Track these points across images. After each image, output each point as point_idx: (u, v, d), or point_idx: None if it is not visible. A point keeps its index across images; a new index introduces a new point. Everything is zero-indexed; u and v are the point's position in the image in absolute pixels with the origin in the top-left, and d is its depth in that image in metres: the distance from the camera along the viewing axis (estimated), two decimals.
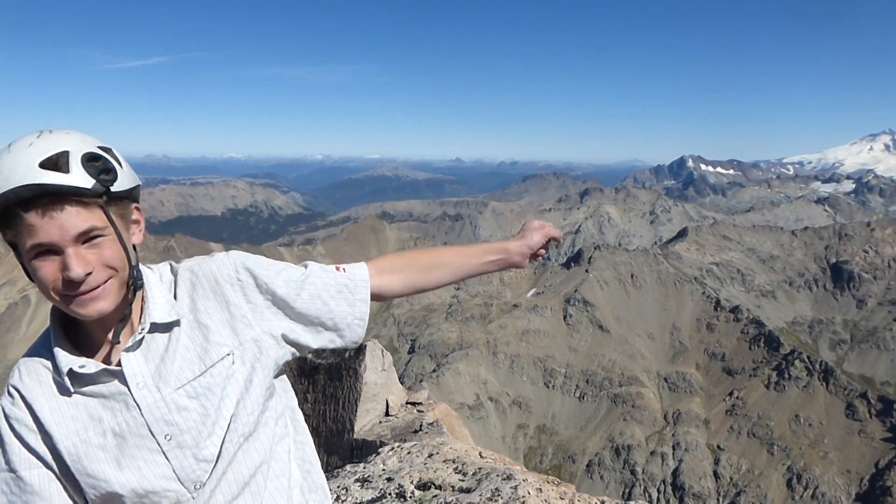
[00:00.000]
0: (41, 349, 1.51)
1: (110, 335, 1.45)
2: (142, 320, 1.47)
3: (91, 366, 1.41)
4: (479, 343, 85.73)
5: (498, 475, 2.95)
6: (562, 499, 2.83)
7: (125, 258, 1.37)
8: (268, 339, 1.56)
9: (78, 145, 1.31)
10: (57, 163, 1.27)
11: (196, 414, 1.44)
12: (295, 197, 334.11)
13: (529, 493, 2.74)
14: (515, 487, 2.77)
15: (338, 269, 1.68)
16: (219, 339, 1.50)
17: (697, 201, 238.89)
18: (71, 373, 1.41)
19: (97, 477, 1.39)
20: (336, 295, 1.64)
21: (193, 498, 1.44)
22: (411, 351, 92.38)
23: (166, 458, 1.42)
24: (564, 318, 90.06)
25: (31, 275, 1.37)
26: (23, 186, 1.24)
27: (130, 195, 1.41)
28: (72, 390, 1.42)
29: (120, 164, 1.38)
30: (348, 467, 3.99)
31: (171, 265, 1.60)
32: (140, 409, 1.41)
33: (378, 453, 4.05)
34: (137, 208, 1.48)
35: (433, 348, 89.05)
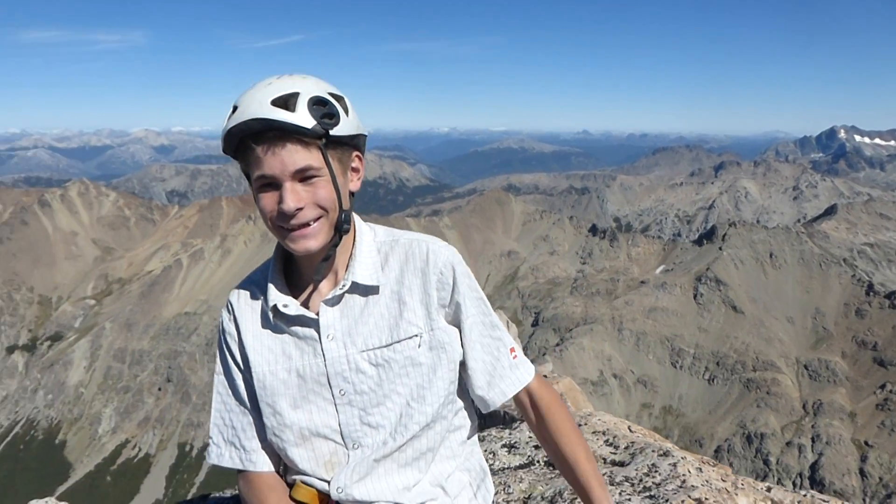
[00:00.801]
0: (260, 278, 1.72)
1: (323, 271, 1.59)
2: (345, 275, 1.60)
3: (293, 308, 1.59)
4: (604, 319, 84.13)
5: (654, 451, 2.85)
6: (723, 480, 2.69)
7: (336, 200, 1.48)
8: (454, 337, 1.65)
9: (308, 88, 1.44)
10: (286, 102, 1.40)
11: (371, 381, 1.57)
12: (422, 169, 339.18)
13: (690, 472, 2.61)
14: (674, 465, 2.67)
15: (512, 350, 1.72)
16: (411, 318, 1.59)
17: (850, 176, 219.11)
18: (275, 308, 1.60)
19: (275, 408, 1.60)
20: (490, 366, 1.70)
21: (348, 454, 1.59)
22: (535, 324, 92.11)
23: (336, 409, 1.58)
24: (695, 296, 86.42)
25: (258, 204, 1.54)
26: (253, 119, 1.39)
27: (352, 142, 1.52)
28: (273, 324, 1.62)
29: (346, 111, 1.48)
30: (494, 431, 3.98)
31: (393, 233, 1.71)
32: (325, 359, 1.57)
33: (523, 420, 3.95)
34: (359, 157, 1.59)
35: (557, 322, 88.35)
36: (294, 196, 1.44)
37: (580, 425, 3.39)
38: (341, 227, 1.53)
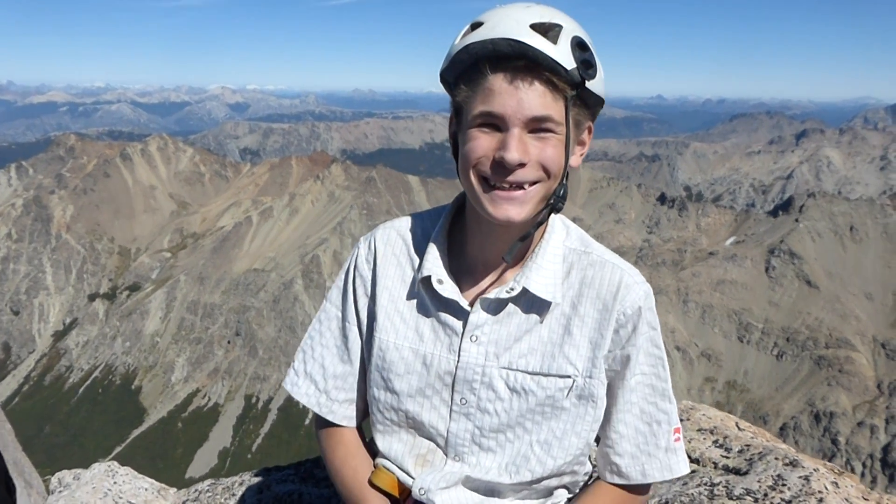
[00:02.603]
0: (420, 229, 1.52)
1: (496, 252, 1.37)
2: (518, 276, 1.37)
3: (448, 288, 1.38)
4: (669, 290, 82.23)
5: (778, 458, 2.41)
6: (865, 499, 2.26)
7: (563, 167, 1.26)
8: (602, 392, 1.41)
9: (573, 25, 1.23)
10: (548, 31, 1.19)
11: (500, 403, 1.37)
12: None
13: (827, 489, 2.20)
14: (806, 478, 2.25)
15: (676, 431, 1.45)
16: (572, 356, 1.36)
17: None
18: (427, 280, 1.40)
19: (389, 385, 1.43)
20: (642, 438, 1.43)
21: (446, 461, 1.42)
22: None
23: (450, 416, 1.40)
24: (766, 269, 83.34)
25: (457, 148, 1.33)
26: (505, 39, 1.17)
27: (595, 106, 1.30)
28: (416, 292, 1.44)
29: (600, 67, 1.26)
30: None
31: (586, 241, 1.46)
32: (458, 360, 1.38)
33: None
34: (590, 129, 1.36)
35: None
36: (521, 146, 1.21)
37: (681, 420, 2.97)
38: (556, 203, 1.30)
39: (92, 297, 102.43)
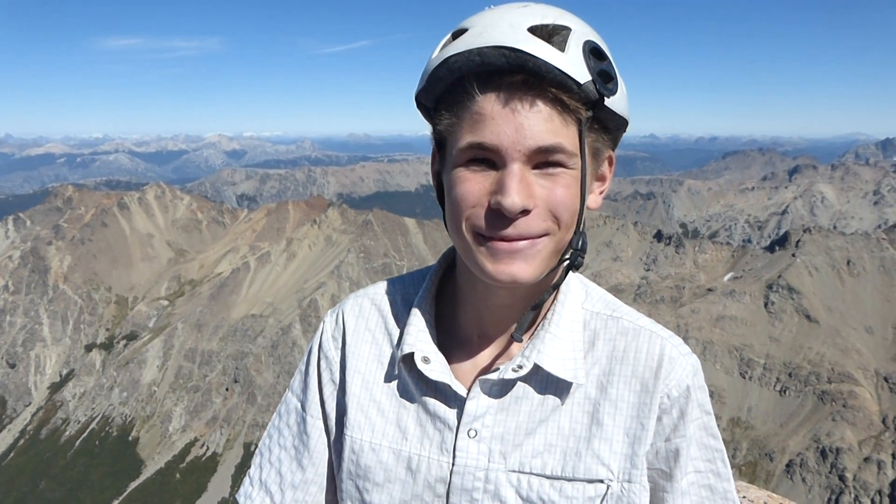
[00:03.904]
0: (399, 295, 1.19)
1: (496, 322, 1.07)
2: (527, 349, 1.04)
3: (436, 368, 1.05)
4: (669, 327, 78.94)
5: None
6: None
7: (578, 212, 0.93)
8: (646, 500, 1.05)
9: (583, 29, 0.93)
10: (551, 35, 0.88)
11: None
12: None
13: None
14: None
15: None
16: (603, 453, 1.01)
17: None
18: (409, 358, 1.08)
19: (365, 494, 1.09)
20: None
21: None
22: None
23: None
24: (765, 305, 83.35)
25: (443, 192, 1.02)
26: (496, 48, 0.86)
27: (615, 130, 0.98)
28: (397, 375, 1.11)
29: (620, 80, 0.95)
30: None
31: (613, 304, 1.13)
32: (453, 462, 1.04)
33: None
34: (612, 160, 1.06)
35: None
36: (524, 188, 0.89)
37: None
38: (574, 259, 0.97)
39: (89, 348, 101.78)
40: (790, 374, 74.74)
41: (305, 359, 1.21)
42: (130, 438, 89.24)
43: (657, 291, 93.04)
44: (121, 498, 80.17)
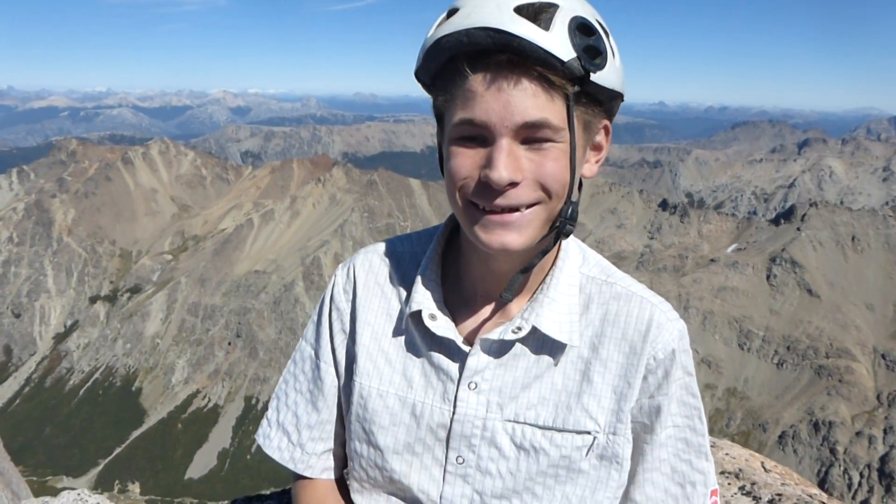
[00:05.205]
0: (408, 254, 1.26)
1: (497, 283, 1.12)
2: (525, 311, 1.12)
3: (442, 325, 1.13)
4: (670, 296, 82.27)
5: None
6: None
7: (568, 183, 0.99)
8: (628, 452, 1.15)
9: (572, 4, 0.96)
10: (538, 14, 0.92)
11: (505, 464, 1.12)
12: None
13: None
14: None
15: (713, 493, 1.19)
16: (591, 408, 1.11)
17: None
18: (417, 315, 1.16)
19: (371, 439, 1.19)
20: (678, 501, 1.17)
21: None
22: None
23: (443, 478, 1.15)
24: (768, 277, 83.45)
25: (442, 163, 1.07)
26: (482, 29, 0.91)
27: (607, 102, 1.02)
28: (404, 329, 1.19)
29: (613, 53, 0.99)
30: None
31: (608, 269, 1.21)
32: (454, 411, 1.13)
33: None
34: (607, 129, 1.09)
35: None
36: (511, 162, 0.95)
37: None
38: (563, 227, 1.03)
39: (93, 300, 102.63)
40: (788, 348, 75.24)
41: (318, 310, 1.29)
42: (133, 389, 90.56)
43: (660, 260, 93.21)
44: (123, 446, 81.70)
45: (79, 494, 3.24)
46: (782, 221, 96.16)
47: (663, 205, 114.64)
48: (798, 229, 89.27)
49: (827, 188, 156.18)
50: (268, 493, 3.12)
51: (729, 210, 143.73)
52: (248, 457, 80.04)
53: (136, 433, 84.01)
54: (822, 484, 58.81)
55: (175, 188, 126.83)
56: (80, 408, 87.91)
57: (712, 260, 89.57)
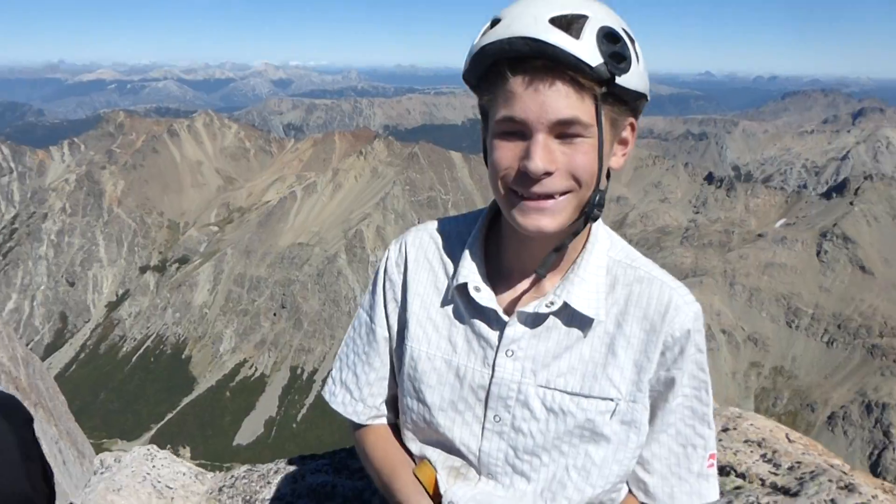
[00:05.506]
0: (454, 233, 1.43)
1: (532, 261, 1.27)
2: (558, 289, 1.27)
3: (485, 296, 1.29)
4: (716, 272, 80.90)
5: (832, 480, 2.21)
6: None
7: (596, 173, 1.14)
8: (646, 417, 1.32)
9: (601, 15, 1.10)
10: (570, 24, 1.07)
11: (536, 424, 1.27)
12: None
13: None
14: None
15: (711, 457, 1.37)
16: (615, 378, 1.26)
17: None
18: (463, 287, 1.32)
19: (420, 396, 1.37)
20: (675, 460, 1.36)
21: (479, 478, 1.34)
22: None
23: (482, 433, 1.31)
24: (818, 253, 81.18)
25: (486, 155, 1.22)
26: (520, 38, 1.06)
27: (633, 102, 1.17)
28: (450, 299, 1.36)
29: (637, 58, 1.13)
30: None
31: (633, 254, 1.36)
32: (492, 374, 1.29)
33: None
34: (633, 126, 1.24)
35: None
36: (546, 154, 1.10)
37: (725, 430, 2.86)
38: (591, 212, 1.17)
39: (143, 270, 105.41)
40: (839, 326, 73.33)
41: (373, 281, 1.48)
42: (183, 357, 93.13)
43: (705, 235, 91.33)
44: (174, 412, 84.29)
45: (148, 450, 3.52)
46: (834, 195, 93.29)
47: (709, 178, 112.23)
48: (851, 204, 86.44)
49: (883, 160, 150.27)
50: (320, 454, 3.33)
51: (777, 184, 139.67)
52: (294, 425, 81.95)
53: (186, 400, 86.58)
54: (874, 467, 57.50)
55: (220, 160, 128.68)
56: (133, 374, 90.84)
57: (759, 235, 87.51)
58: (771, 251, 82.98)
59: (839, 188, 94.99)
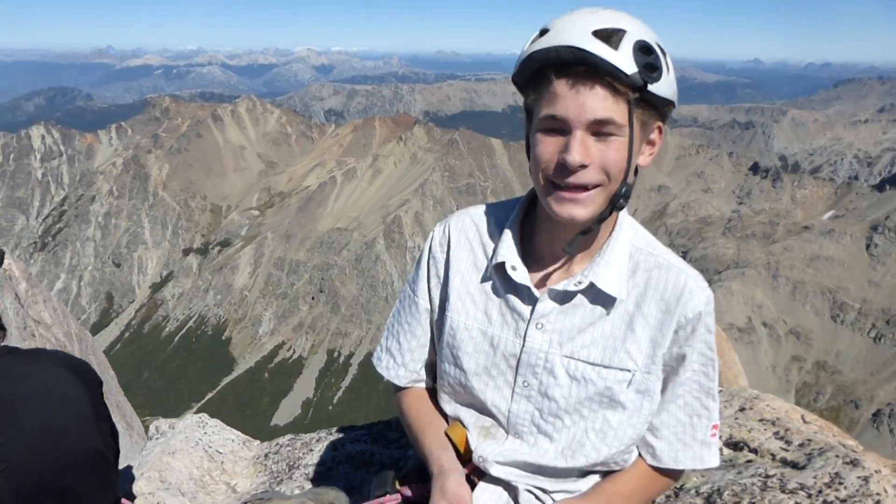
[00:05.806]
0: (494, 218, 1.60)
1: (563, 243, 1.42)
2: (586, 270, 1.44)
3: (520, 274, 1.46)
4: (759, 263, 79.08)
5: (838, 456, 2.30)
6: None
7: (625, 169, 1.29)
8: (658, 387, 1.49)
9: (637, 30, 1.26)
10: (610, 37, 1.23)
11: (560, 390, 1.45)
12: None
13: (886, 492, 2.06)
14: (865, 479, 2.13)
15: (714, 427, 1.53)
16: (633, 351, 1.43)
17: None
18: (500, 266, 1.49)
19: (458, 363, 1.54)
20: (681, 427, 1.52)
21: (507, 437, 1.52)
22: None
23: (512, 397, 1.49)
24: (868, 247, 78.72)
25: (529, 149, 1.38)
26: (566, 47, 1.22)
27: (661, 108, 1.32)
28: (488, 276, 1.53)
29: (668, 69, 1.29)
30: None
31: (653, 244, 1.51)
32: (523, 345, 1.46)
33: None
34: (661, 129, 1.39)
35: (705, 263, 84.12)
36: (583, 149, 1.26)
37: (742, 409, 2.94)
38: (616, 202, 1.33)
39: (186, 252, 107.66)
40: (888, 322, 71.10)
41: (418, 259, 1.67)
42: (224, 338, 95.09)
43: (748, 226, 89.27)
44: (215, 391, 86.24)
45: (200, 418, 3.80)
46: (888, 187, 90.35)
47: (754, 168, 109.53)
48: None
49: None
50: (359, 425, 3.58)
51: (826, 175, 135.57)
52: (330, 408, 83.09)
53: (226, 380, 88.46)
54: None
55: (262, 145, 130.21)
56: (176, 354, 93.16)
57: (806, 227, 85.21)
58: (817, 244, 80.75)
59: (893, 180, 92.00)
